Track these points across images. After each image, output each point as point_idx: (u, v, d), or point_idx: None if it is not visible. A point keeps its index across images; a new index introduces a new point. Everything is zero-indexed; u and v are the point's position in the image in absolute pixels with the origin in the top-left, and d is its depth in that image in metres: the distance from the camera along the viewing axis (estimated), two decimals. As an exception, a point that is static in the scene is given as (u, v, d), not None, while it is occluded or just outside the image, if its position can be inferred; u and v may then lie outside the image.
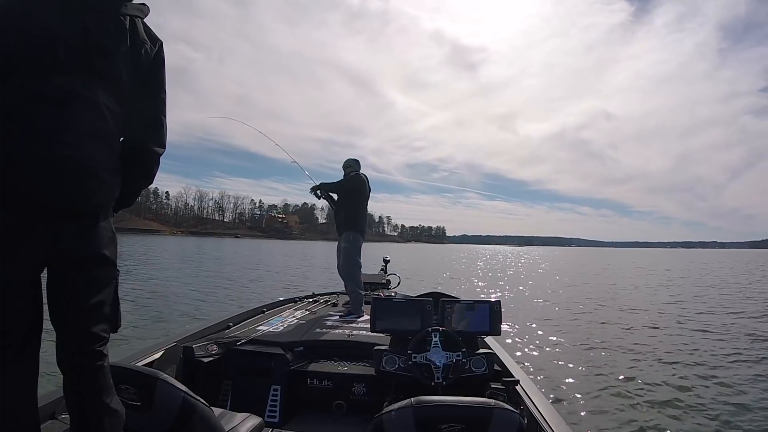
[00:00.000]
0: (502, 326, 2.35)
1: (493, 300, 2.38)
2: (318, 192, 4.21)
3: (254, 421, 1.69)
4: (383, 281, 5.04)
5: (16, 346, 1.07)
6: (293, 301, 4.08)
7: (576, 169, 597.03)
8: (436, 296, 2.50)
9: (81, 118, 1.08)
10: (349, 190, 4.17)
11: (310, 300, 4.18)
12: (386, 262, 5.79)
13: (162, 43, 1.29)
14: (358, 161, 4.34)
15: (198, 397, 1.34)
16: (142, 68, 1.23)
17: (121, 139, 1.23)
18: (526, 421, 1.55)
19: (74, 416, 1.16)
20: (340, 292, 4.31)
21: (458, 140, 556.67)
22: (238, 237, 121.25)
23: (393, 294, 4.56)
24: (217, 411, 1.55)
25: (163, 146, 1.33)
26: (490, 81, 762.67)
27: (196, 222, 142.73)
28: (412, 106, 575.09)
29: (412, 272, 18.47)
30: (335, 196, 4.26)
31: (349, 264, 3.97)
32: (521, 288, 15.00)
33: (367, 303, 3.82)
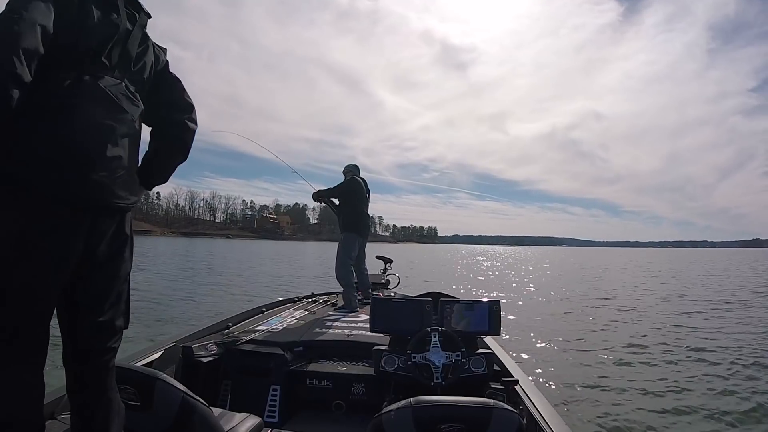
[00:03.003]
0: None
1: (492, 300, 2.39)
2: (318, 198, 4.43)
3: (253, 421, 1.68)
4: (383, 281, 5.05)
5: (32, 347, 1.04)
6: (293, 301, 4.08)
7: (566, 169, 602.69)
8: (435, 296, 2.50)
9: (124, 118, 1.11)
10: (346, 194, 4.37)
11: (310, 300, 4.18)
12: (386, 261, 5.79)
13: (166, 49, 1.35)
14: (357, 166, 4.56)
15: (197, 397, 1.34)
16: (157, 72, 1.29)
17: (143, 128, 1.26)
18: (525, 421, 1.55)
19: (78, 415, 1.15)
20: (340, 292, 4.31)
21: (449, 140, 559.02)
22: (229, 238, 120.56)
23: (392, 294, 4.57)
24: (216, 411, 1.54)
25: (196, 123, 1.35)
26: (480, 81, 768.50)
27: (187, 223, 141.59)
28: (402, 106, 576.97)
29: (407, 272, 18.47)
30: (336, 201, 4.45)
31: (338, 262, 4.16)
32: (519, 288, 15.04)
33: (366, 303, 3.83)
